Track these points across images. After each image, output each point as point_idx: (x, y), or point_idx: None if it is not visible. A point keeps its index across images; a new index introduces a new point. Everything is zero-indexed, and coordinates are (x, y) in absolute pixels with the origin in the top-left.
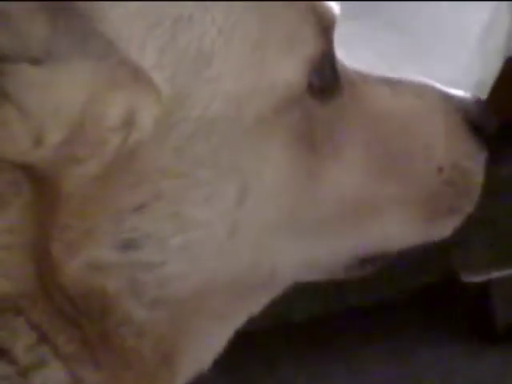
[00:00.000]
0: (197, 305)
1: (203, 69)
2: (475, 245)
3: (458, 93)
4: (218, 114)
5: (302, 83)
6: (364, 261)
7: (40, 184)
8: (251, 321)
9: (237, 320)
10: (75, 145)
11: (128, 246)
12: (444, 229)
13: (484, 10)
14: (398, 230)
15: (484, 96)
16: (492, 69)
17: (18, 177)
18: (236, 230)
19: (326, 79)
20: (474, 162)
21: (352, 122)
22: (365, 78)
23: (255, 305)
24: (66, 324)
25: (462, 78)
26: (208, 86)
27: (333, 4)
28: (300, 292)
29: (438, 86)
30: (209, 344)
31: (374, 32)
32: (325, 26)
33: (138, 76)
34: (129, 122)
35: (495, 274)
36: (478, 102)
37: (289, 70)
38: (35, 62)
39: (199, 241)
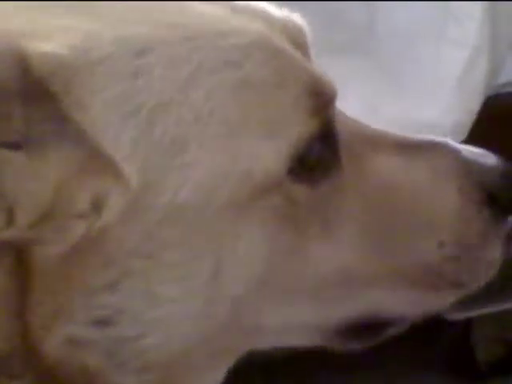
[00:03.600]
0: (187, 360)
1: (176, 156)
2: None
3: (480, 156)
4: (186, 201)
5: (283, 170)
6: (360, 330)
7: (18, 256)
8: None
9: (227, 363)
10: (44, 227)
11: (102, 322)
12: (443, 302)
13: (464, 49)
14: (391, 300)
15: (463, 135)
16: (471, 108)
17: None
18: (211, 303)
19: (316, 163)
20: (485, 238)
21: (351, 197)
22: (375, 144)
23: (244, 350)
24: None
25: (441, 118)
26: (179, 173)
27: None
28: None
29: (459, 148)
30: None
31: (358, 69)
32: (323, 104)
33: (108, 166)
34: (96, 208)
35: (477, 312)
36: (501, 168)
37: (268, 156)
38: (14, 146)
39: (173, 314)
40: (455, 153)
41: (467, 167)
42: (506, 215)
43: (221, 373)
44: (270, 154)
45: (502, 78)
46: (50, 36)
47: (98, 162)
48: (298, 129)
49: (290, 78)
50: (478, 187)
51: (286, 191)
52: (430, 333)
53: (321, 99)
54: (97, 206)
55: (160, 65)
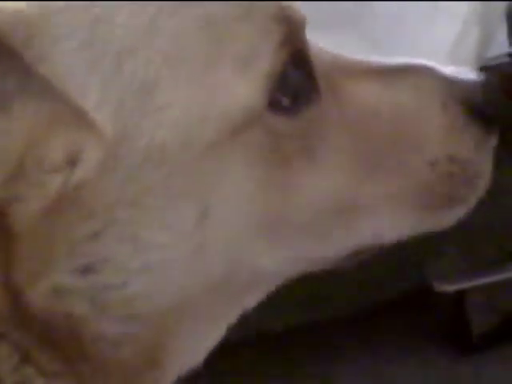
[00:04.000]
0: (180, 313)
1: (148, 99)
2: (448, 254)
3: (461, 74)
4: (165, 142)
5: (260, 102)
6: (357, 252)
7: None
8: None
9: (229, 317)
10: (17, 185)
11: (86, 270)
12: (446, 219)
13: (455, 23)
14: (390, 224)
15: None
16: None
17: None
18: (202, 248)
19: (294, 92)
20: (475, 151)
21: (334, 126)
22: (353, 72)
23: (247, 302)
24: (46, 345)
25: None
26: (154, 115)
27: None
28: (274, 303)
29: (440, 69)
30: (200, 343)
31: (347, 43)
32: (292, 31)
33: (79, 116)
34: (71, 162)
35: (468, 284)
36: (481, 83)
37: (245, 90)
38: None
39: (160, 262)
40: (435, 72)
41: (449, 84)
42: (492, 128)
43: (219, 331)
44: (244, 89)
45: (493, 51)
46: None
47: (68, 113)
48: (269, 58)
49: (255, 9)
50: (462, 102)
51: (266, 124)
52: (425, 307)
53: (289, 26)
54: (72, 159)
55: (120, 11)
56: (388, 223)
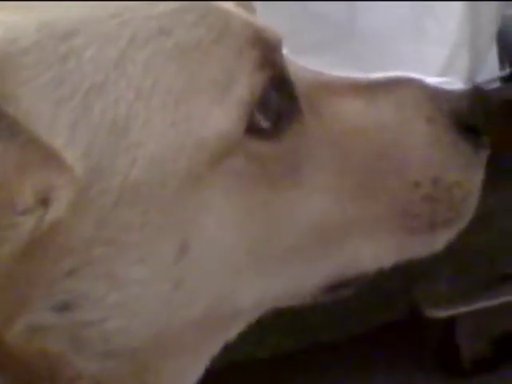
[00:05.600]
0: (161, 348)
1: (120, 137)
2: (438, 279)
3: (448, 85)
4: (139, 180)
5: (238, 129)
6: (339, 285)
7: None
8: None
9: (211, 350)
10: None
11: (63, 307)
12: (432, 244)
13: (445, 46)
14: (372, 250)
15: None
16: None
17: None
18: (181, 284)
19: (274, 114)
20: (463, 170)
21: (318, 146)
22: (335, 89)
23: (229, 333)
24: None
25: None
26: (127, 153)
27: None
28: (265, 328)
29: (425, 81)
30: (183, 377)
31: (338, 68)
32: (268, 53)
33: (48, 155)
34: (42, 203)
35: (459, 309)
36: (469, 93)
37: (221, 117)
38: None
39: (137, 297)
40: (420, 84)
41: (435, 96)
42: (481, 141)
43: (202, 363)
44: (221, 116)
45: (484, 75)
46: None
47: (37, 154)
48: (246, 83)
49: (228, 33)
50: (449, 115)
51: (246, 150)
52: (414, 333)
53: (265, 47)
54: (42, 200)
55: (89, 45)
56: (369, 249)
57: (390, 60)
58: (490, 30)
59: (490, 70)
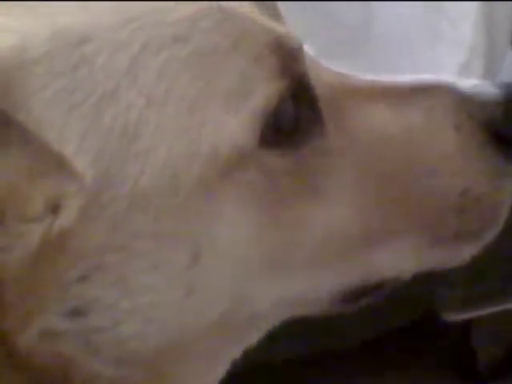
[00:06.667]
0: (177, 353)
1: (131, 144)
2: (456, 283)
3: (482, 89)
4: (150, 186)
5: (252, 140)
6: (359, 293)
7: None
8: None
9: (232, 354)
10: None
11: (76, 312)
12: (457, 256)
13: (460, 52)
14: (394, 261)
15: None
16: None
17: None
18: (194, 290)
19: (293, 126)
20: (492, 181)
21: (339, 158)
22: (361, 94)
23: (249, 338)
24: None
25: None
26: (137, 160)
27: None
28: (281, 333)
29: (457, 84)
30: (201, 380)
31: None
32: (288, 60)
33: (59, 163)
34: (52, 210)
35: (476, 313)
36: (502, 99)
37: (235, 128)
38: None
39: (149, 303)
40: (451, 89)
41: (466, 102)
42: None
43: (222, 367)
44: (235, 126)
45: (501, 77)
46: None
47: (48, 162)
48: (263, 92)
49: (245, 40)
50: (480, 123)
51: (260, 163)
52: (430, 336)
53: (284, 55)
54: (52, 207)
55: (100, 53)
56: (392, 259)
57: (405, 63)
58: (505, 31)
59: (507, 72)
